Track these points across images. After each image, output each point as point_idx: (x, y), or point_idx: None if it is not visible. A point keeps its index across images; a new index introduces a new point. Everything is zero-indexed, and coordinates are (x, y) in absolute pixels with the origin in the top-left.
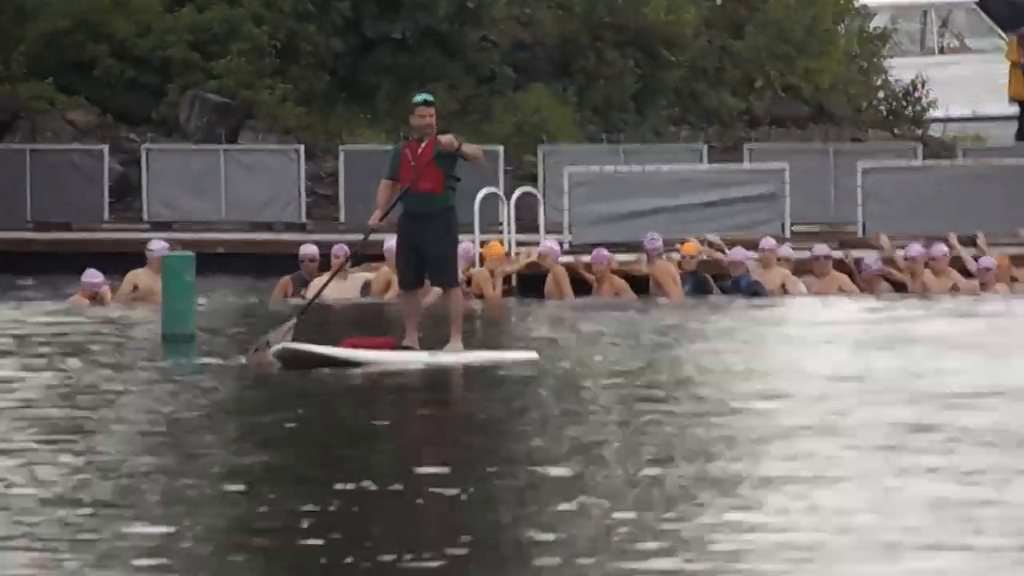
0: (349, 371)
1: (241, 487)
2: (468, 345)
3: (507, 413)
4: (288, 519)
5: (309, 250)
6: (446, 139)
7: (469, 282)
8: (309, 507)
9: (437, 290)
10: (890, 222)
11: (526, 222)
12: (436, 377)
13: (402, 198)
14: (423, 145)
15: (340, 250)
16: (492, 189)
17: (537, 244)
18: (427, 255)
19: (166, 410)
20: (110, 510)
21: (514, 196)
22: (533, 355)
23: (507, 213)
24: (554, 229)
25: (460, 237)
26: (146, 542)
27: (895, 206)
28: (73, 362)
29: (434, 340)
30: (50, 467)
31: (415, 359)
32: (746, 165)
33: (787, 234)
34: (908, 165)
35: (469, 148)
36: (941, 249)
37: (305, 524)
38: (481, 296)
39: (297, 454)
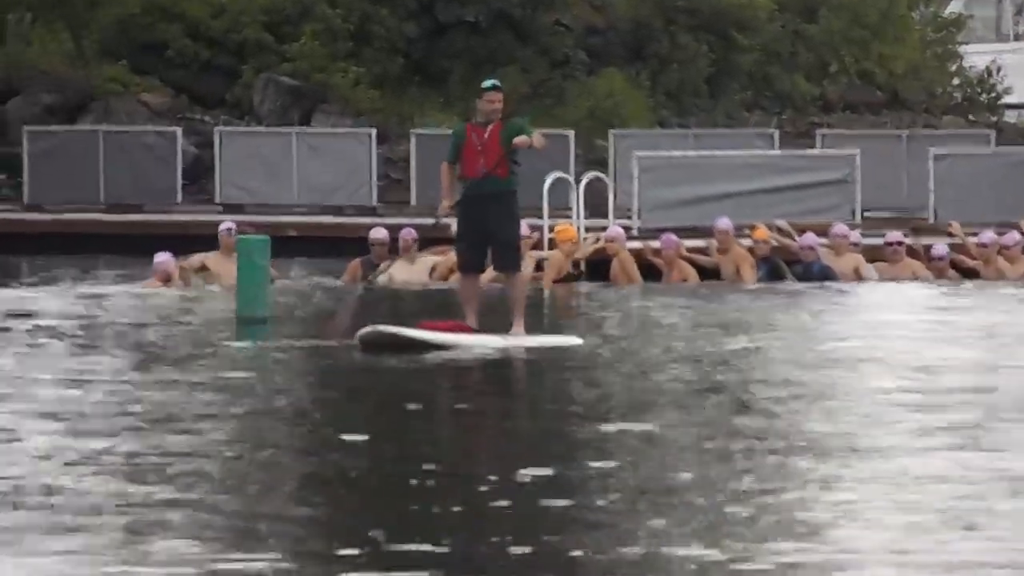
0: (430, 354)
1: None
2: (540, 329)
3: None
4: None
5: (379, 234)
6: (522, 140)
7: (540, 267)
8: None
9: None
10: (962, 209)
11: (595, 207)
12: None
13: (466, 182)
14: (489, 128)
15: (408, 234)
16: (561, 174)
17: (604, 229)
18: (493, 239)
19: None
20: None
21: (584, 180)
22: (577, 340)
23: (576, 198)
24: (623, 214)
25: (528, 221)
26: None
27: (967, 193)
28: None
29: (495, 325)
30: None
31: (492, 343)
32: (816, 151)
33: (858, 220)
34: (980, 152)
35: (539, 141)
36: (1014, 237)
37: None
38: (556, 280)
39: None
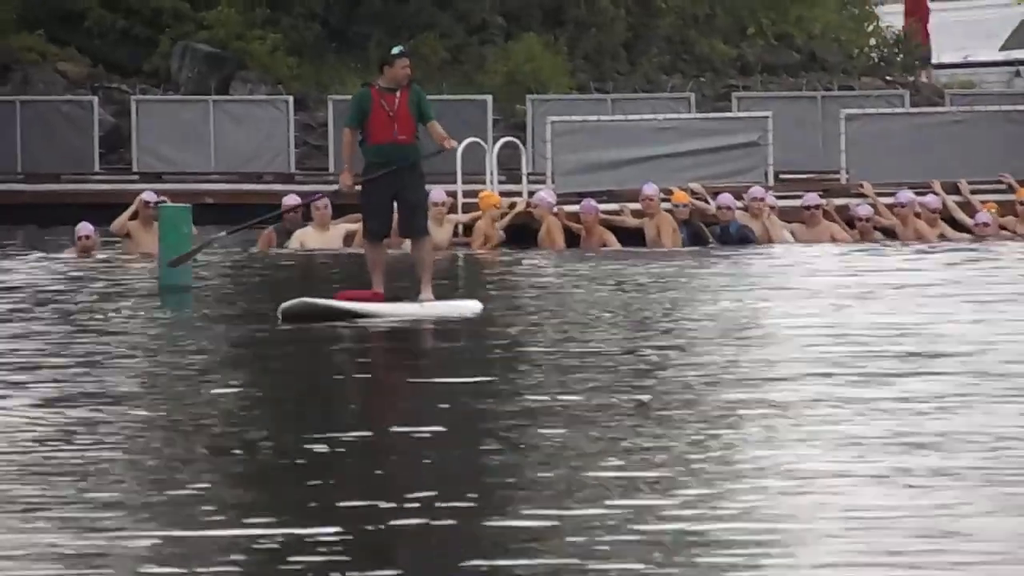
0: (350, 324)
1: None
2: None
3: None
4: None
5: (291, 201)
6: (449, 142)
7: (468, 231)
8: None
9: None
10: (874, 170)
11: (511, 172)
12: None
13: (373, 148)
14: (398, 94)
15: (322, 201)
16: (475, 139)
17: (520, 194)
18: (403, 203)
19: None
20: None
21: (496, 145)
22: (477, 305)
23: (490, 162)
24: (538, 179)
25: (444, 186)
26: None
27: (879, 153)
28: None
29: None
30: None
31: (405, 310)
32: (728, 114)
33: (770, 182)
34: (891, 112)
35: (451, 144)
36: (930, 199)
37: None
38: (483, 244)
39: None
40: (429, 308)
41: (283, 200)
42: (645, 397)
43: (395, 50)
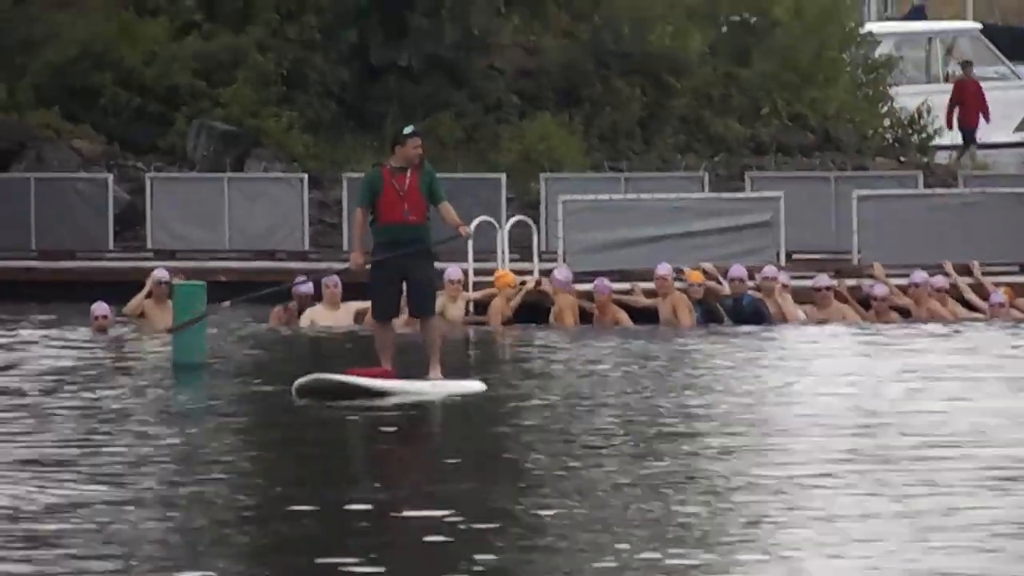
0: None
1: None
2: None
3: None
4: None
5: (302, 289)
6: (464, 229)
7: (480, 308)
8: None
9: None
10: (886, 251)
11: (524, 251)
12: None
13: (383, 228)
14: (409, 175)
15: (332, 280)
16: (486, 218)
17: (531, 273)
18: (411, 283)
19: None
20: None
21: (508, 224)
22: (480, 385)
23: (502, 241)
24: (552, 258)
25: (458, 264)
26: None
27: (891, 234)
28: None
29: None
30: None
31: (421, 388)
32: (741, 194)
33: (782, 262)
34: (903, 193)
35: (466, 232)
36: (940, 280)
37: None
38: (501, 323)
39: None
40: (439, 387)
41: (295, 287)
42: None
43: (407, 130)
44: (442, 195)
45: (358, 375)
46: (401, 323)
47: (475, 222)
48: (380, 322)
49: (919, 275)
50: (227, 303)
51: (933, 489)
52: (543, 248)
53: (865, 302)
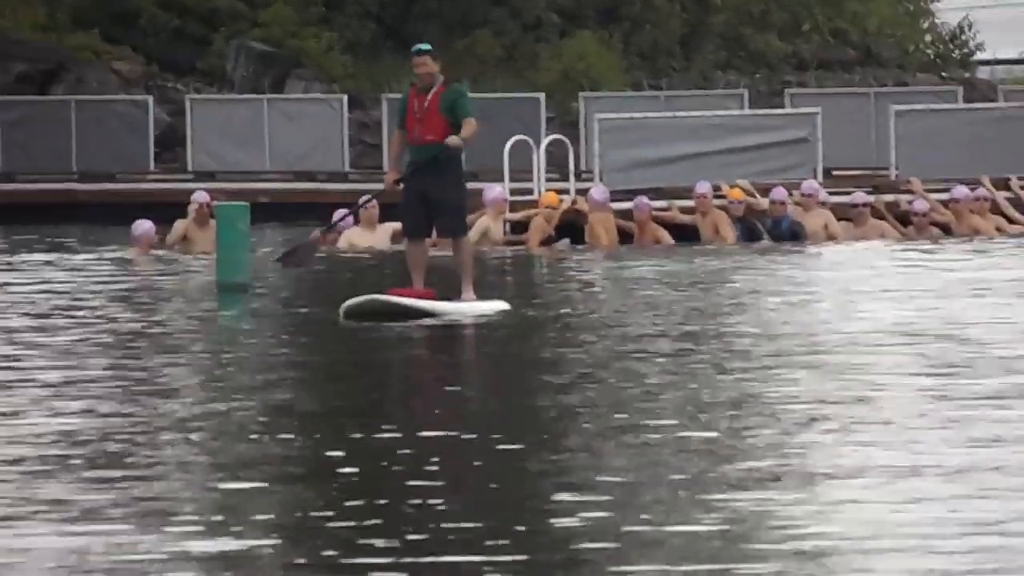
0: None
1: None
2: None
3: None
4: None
5: (338, 214)
6: (453, 141)
7: (526, 227)
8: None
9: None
10: (924, 166)
11: (562, 169)
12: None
13: (410, 149)
14: (430, 94)
15: (369, 201)
16: (522, 136)
17: (567, 192)
18: (434, 205)
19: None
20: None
21: (543, 143)
22: (503, 304)
23: (537, 160)
24: (590, 177)
25: (490, 183)
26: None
27: (929, 150)
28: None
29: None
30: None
31: (460, 309)
32: (779, 110)
33: (819, 178)
34: (941, 108)
35: (454, 142)
36: (982, 192)
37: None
38: (543, 243)
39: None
40: (471, 307)
41: (334, 215)
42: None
43: (415, 48)
44: (466, 112)
45: (399, 295)
46: (431, 243)
47: (511, 141)
48: (410, 240)
49: (960, 190)
50: (322, 229)
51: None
52: (582, 167)
53: (906, 218)
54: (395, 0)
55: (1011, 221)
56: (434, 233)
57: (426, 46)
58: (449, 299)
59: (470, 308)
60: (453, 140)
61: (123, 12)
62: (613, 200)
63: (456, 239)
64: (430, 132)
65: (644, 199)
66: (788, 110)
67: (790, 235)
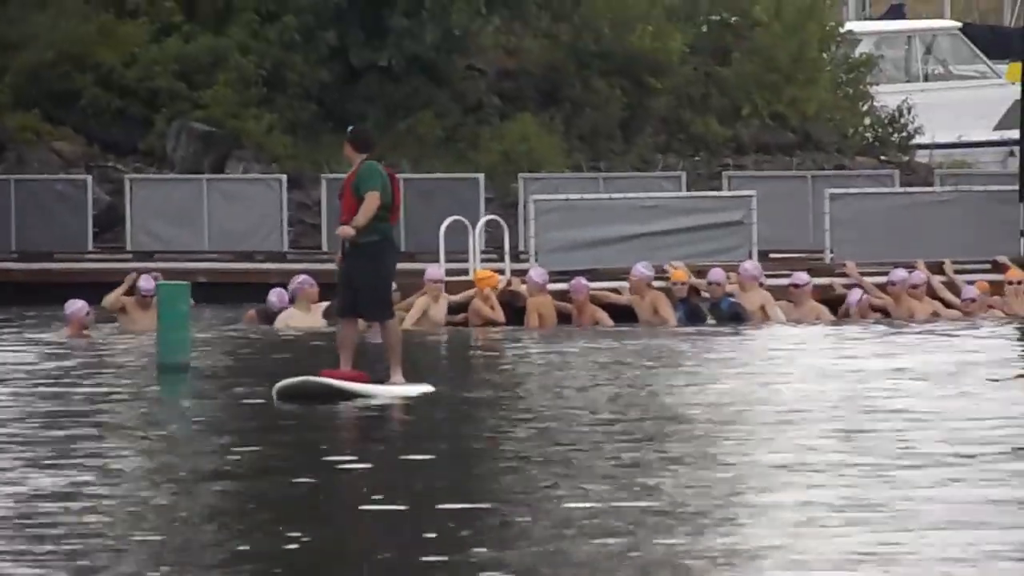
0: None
1: None
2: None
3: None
4: None
5: (273, 296)
6: (342, 231)
7: (458, 309)
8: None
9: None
10: (859, 249)
11: (499, 250)
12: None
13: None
14: (350, 176)
15: (307, 281)
16: (457, 217)
17: (503, 272)
18: (356, 288)
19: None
20: None
21: (480, 223)
22: (427, 388)
23: (473, 240)
24: (527, 257)
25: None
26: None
27: (864, 233)
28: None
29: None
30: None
31: (396, 391)
32: (713, 192)
33: (754, 260)
34: (876, 191)
35: (344, 232)
36: (919, 276)
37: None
38: (483, 324)
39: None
40: (398, 390)
41: (268, 296)
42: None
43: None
44: (367, 187)
45: (332, 377)
46: (363, 327)
47: (446, 222)
48: (340, 318)
49: (897, 273)
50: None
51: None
52: (520, 248)
53: (840, 301)
54: (336, 82)
55: (947, 305)
56: None
57: (351, 127)
58: (380, 382)
59: (401, 391)
60: (341, 230)
61: (64, 93)
62: (550, 281)
63: (378, 323)
64: (346, 212)
65: (582, 280)
66: (723, 192)
67: (731, 316)
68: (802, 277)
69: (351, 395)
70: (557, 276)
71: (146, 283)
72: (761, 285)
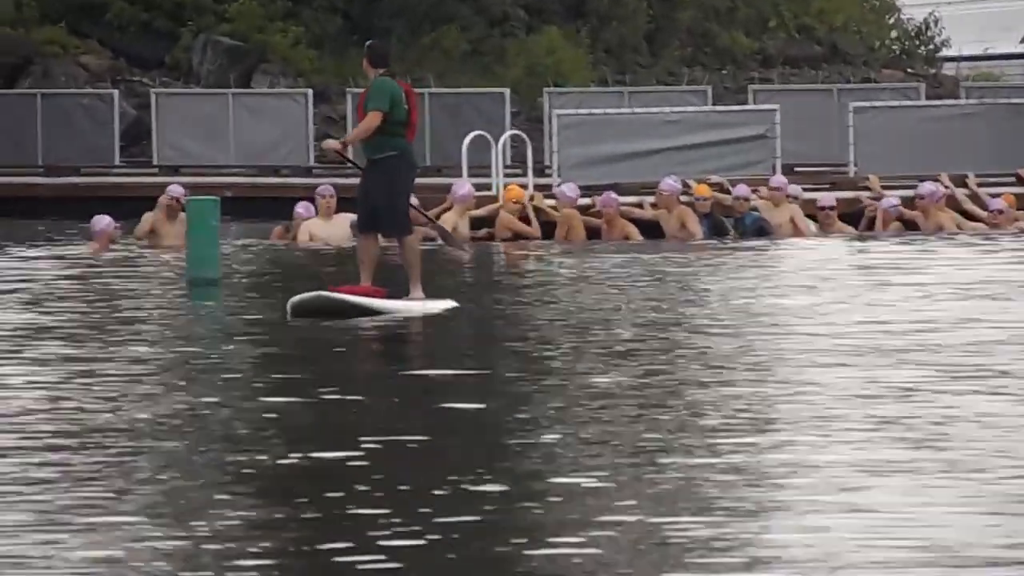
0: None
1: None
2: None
3: None
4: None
5: (300, 209)
6: (327, 144)
7: (488, 223)
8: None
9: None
10: (882, 162)
11: (523, 165)
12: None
13: None
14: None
15: (326, 190)
16: (480, 132)
17: (526, 187)
18: (372, 204)
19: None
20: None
21: (502, 139)
22: (450, 303)
23: (496, 156)
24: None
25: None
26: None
27: (888, 146)
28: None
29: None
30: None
31: (406, 307)
32: (736, 107)
33: (778, 174)
34: (900, 104)
35: (329, 144)
36: (942, 189)
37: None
38: (509, 238)
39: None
40: (418, 306)
41: (295, 208)
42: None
43: None
44: (371, 105)
45: (347, 292)
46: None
47: (469, 137)
48: (359, 233)
49: (926, 187)
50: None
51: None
52: (546, 163)
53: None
54: None
55: (971, 218)
56: None
57: (367, 44)
58: (398, 298)
59: (419, 307)
60: (326, 143)
61: (90, 6)
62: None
63: (396, 240)
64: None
65: (612, 194)
66: (746, 107)
67: (755, 231)
68: (827, 199)
69: (367, 311)
70: (581, 191)
71: (176, 189)
72: (796, 199)
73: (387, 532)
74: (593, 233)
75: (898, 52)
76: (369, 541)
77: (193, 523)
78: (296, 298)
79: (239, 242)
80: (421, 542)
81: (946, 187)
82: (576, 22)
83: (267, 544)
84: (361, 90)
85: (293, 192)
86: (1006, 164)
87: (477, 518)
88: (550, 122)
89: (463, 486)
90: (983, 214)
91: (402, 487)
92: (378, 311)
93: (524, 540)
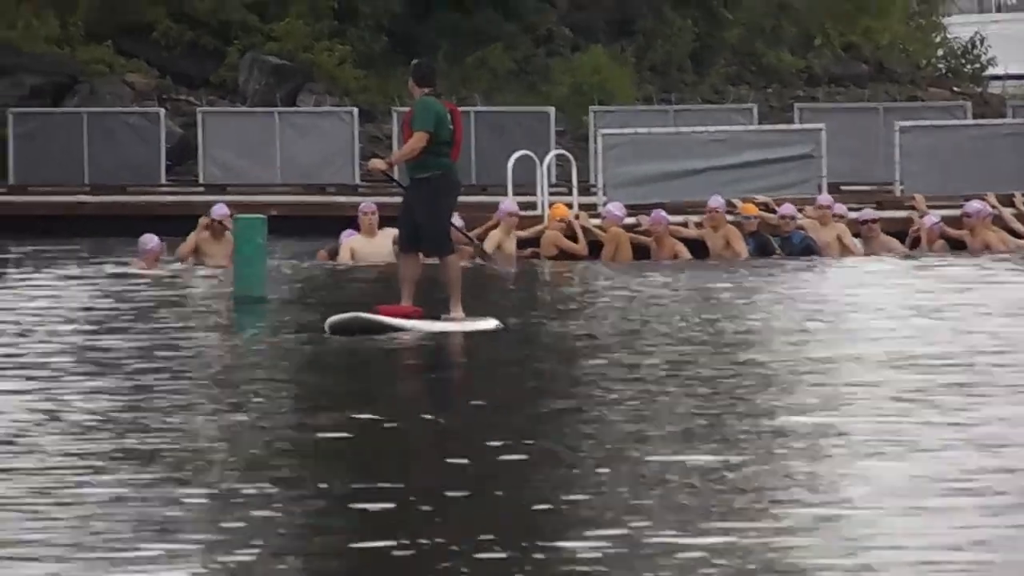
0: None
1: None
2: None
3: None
4: None
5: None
6: (372, 164)
7: (526, 244)
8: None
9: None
10: (928, 182)
11: (569, 184)
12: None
13: None
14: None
15: (368, 207)
16: (526, 151)
17: (571, 206)
18: (415, 223)
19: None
20: None
21: (547, 158)
22: (495, 323)
23: (541, 174)
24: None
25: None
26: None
27: (933, 165)
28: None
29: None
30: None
31: (454, 327)
32: (782, 126)
33: (824, 193)
34: (945, 124)
35: (376, 164)
36: (990, 208)
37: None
38: (554, 256)
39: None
40: (457, 325)
41: (340, 236)
42: None
43: None
44: (416, 126)
45: (385, 313)
46: (425, 258)
47: (514, 156)
48: (401, 252)
49: (973, 205)
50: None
51: None
52: (592, 182)
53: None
54: (408, 14)
55: (1017, 236)
56: None
57: (412, 63)
58: (437, 318)
59: (458, 326)
60: (372, 163)
61: (137, 25)
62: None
63: (439, 258)
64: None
65: (662, 212)
66: (792, 126)
67: (803, 249)
68: (869, 213)
69: (404, 330)
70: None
71: (220, 209)
72: (842, 218)
73: None
74: (640, 252)
75: (944, 71)
76: None
77: None
78: (334, 317)
79: (285, 261)
80: None
81: (993, 207)
82: (621, 40)
83: None
84: (406, 109)
85: (339, 211)
86: None
87: None
88: (595, 141)
89: None
90: None
91: None
92: (416, 331)
93: None
